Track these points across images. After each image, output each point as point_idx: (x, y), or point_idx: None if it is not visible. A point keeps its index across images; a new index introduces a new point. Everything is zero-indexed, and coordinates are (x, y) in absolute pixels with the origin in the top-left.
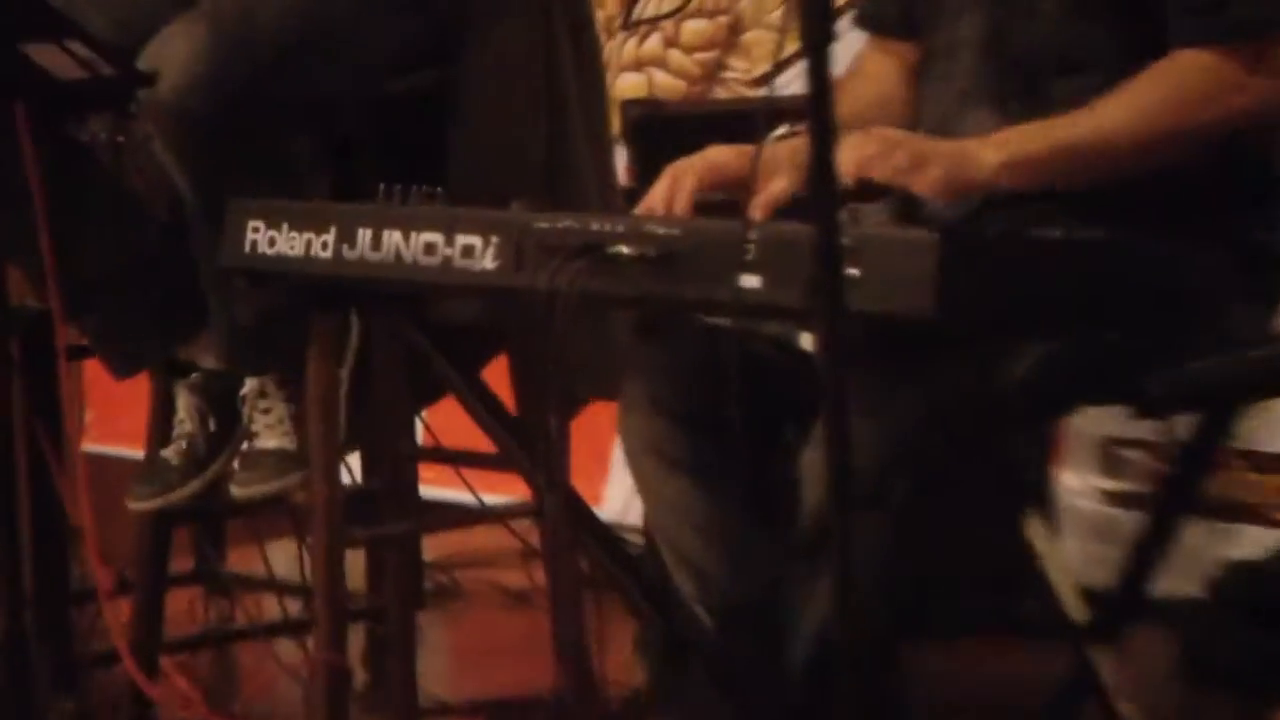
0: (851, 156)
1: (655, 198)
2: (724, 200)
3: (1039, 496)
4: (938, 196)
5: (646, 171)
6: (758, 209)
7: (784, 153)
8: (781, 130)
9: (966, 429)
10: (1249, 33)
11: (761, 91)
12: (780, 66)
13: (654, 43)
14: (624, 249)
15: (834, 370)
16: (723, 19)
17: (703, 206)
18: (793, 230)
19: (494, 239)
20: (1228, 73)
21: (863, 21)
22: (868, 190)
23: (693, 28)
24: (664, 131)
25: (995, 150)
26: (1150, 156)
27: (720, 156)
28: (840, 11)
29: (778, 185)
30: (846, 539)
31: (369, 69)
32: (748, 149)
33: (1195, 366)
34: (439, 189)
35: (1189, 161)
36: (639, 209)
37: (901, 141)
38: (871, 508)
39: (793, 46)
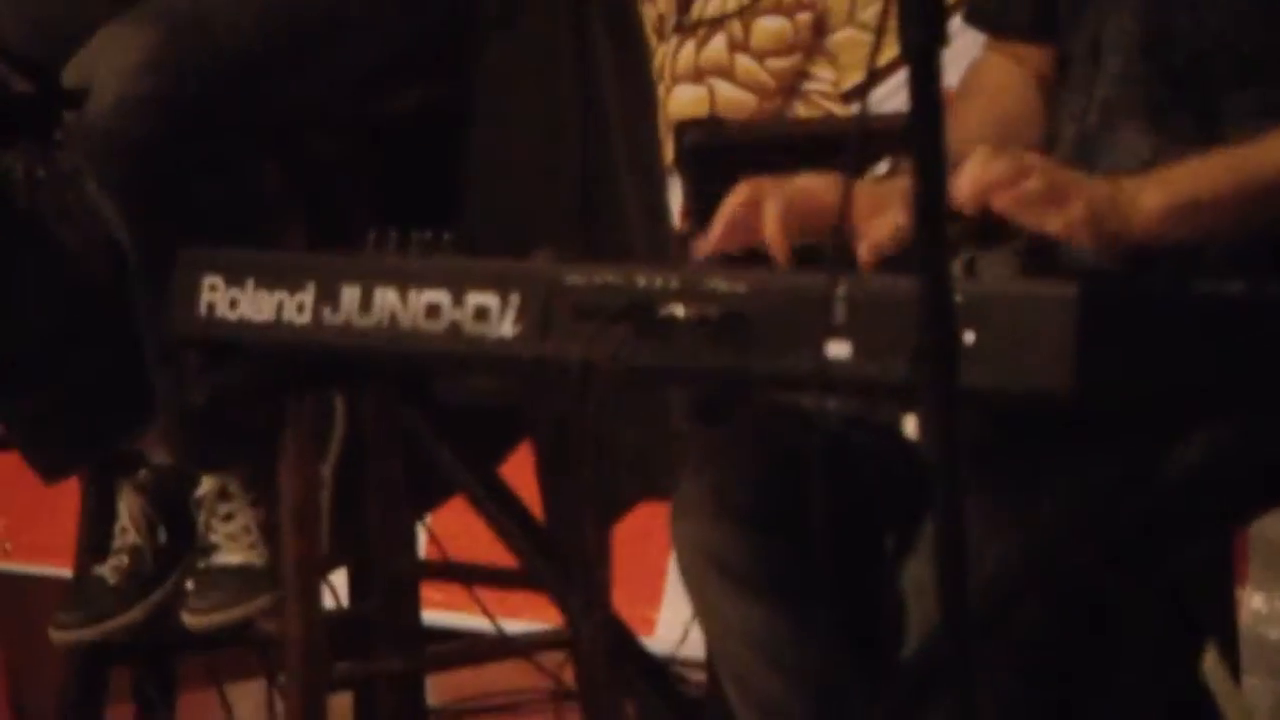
0: (973, 179)
1: (723, 230)
2: (807, 245)
3: (1217, 625)
4: (1078, 242)
5: (707, 210)
6: (864, 252)
7: (890, 190)
8: (883, 167)
9: (1119, 538)
10: None
11: (853, 109)
12: (876, 76)
13: (717, 47)
14: (679, 310)
15: (945, 463)
16: (804, 16)
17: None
18: (892, 285)
19: (514, 298)
20: None
21: (979, 19)
22: (991, 230)
23: (766, 27)
24: (729, 160)
25: (1157, 191)
26: None
27: (815, 183)
28: (953, 8)
29: (887, 223)
30: (964, 677)
31: (352, 83)
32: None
33: None
34: (445, 234)
35: None
36: (698, 250)
37: (1038, 167)
38: (995, 638)
39: (891, 51)
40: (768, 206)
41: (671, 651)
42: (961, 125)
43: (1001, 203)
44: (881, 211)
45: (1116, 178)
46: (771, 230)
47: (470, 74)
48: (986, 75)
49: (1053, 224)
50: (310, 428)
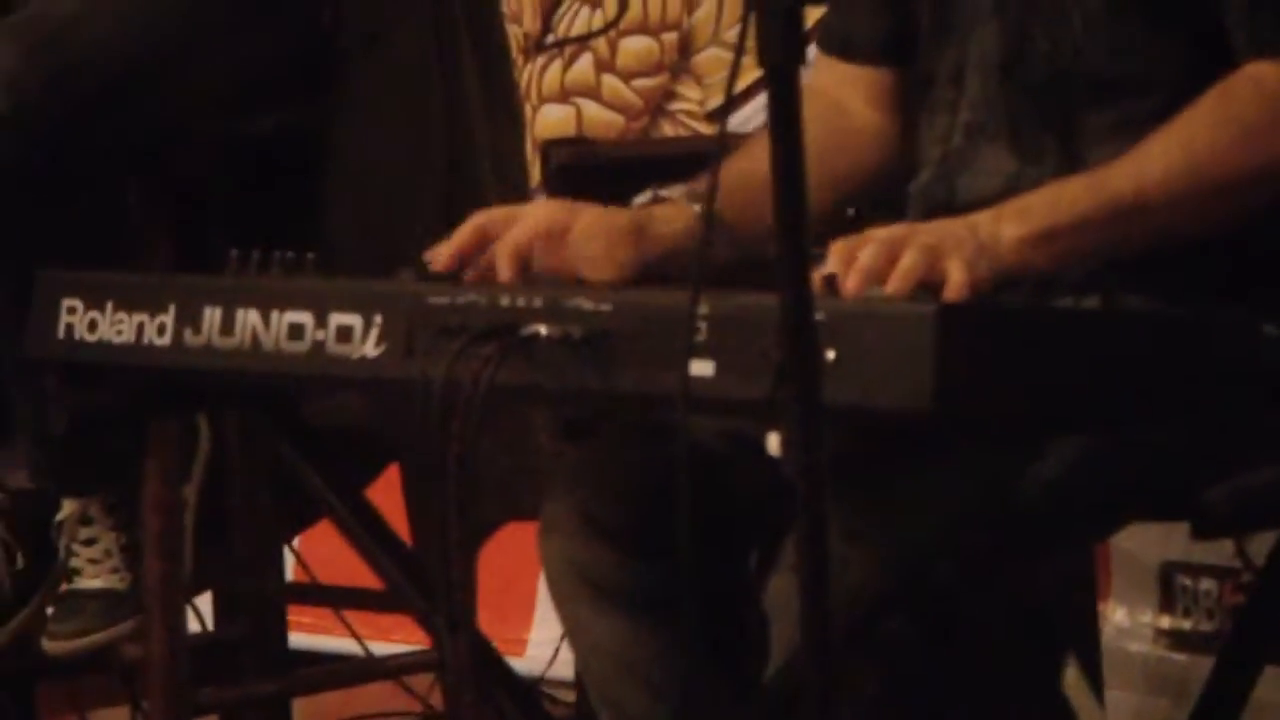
0: (851, 271)
1: (446, 250)
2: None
3: (1079, 639)
4: (970, 292)
5: None
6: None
7: (611, 219)
8: (644, 197)
9: (981, 552)
10: None
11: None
12: (734, 100)
13: (584, 67)
14: (543, 329)
15: (808, 479)
16: (669, 36)
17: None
18: (754, 304)
19: (377, 318)
20: None
21: (827, 42)
22: None
23: (632, 48)
24: (596, 180)
25: (1015, 223)
26: (1218, 210)
27: (543, 216)
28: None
29: (589, 249)
30: (826, 693)
31: (214, 102)
32: (579, 205)
33: (1268, 474)
34: (309, 254)
35: (1263, 219)
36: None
37: (901, 239)
38: (858, 653)
39: (756, 71)
40: (504, 234)
41: (542, 672)
42: (754, 150)
43: (893, 287)
44: (589, 242)
45: (972, 216)
46: (503, 255)
47: (335, 95)
48: (807, 101)
49: (947, 288)
50: (172, 450)
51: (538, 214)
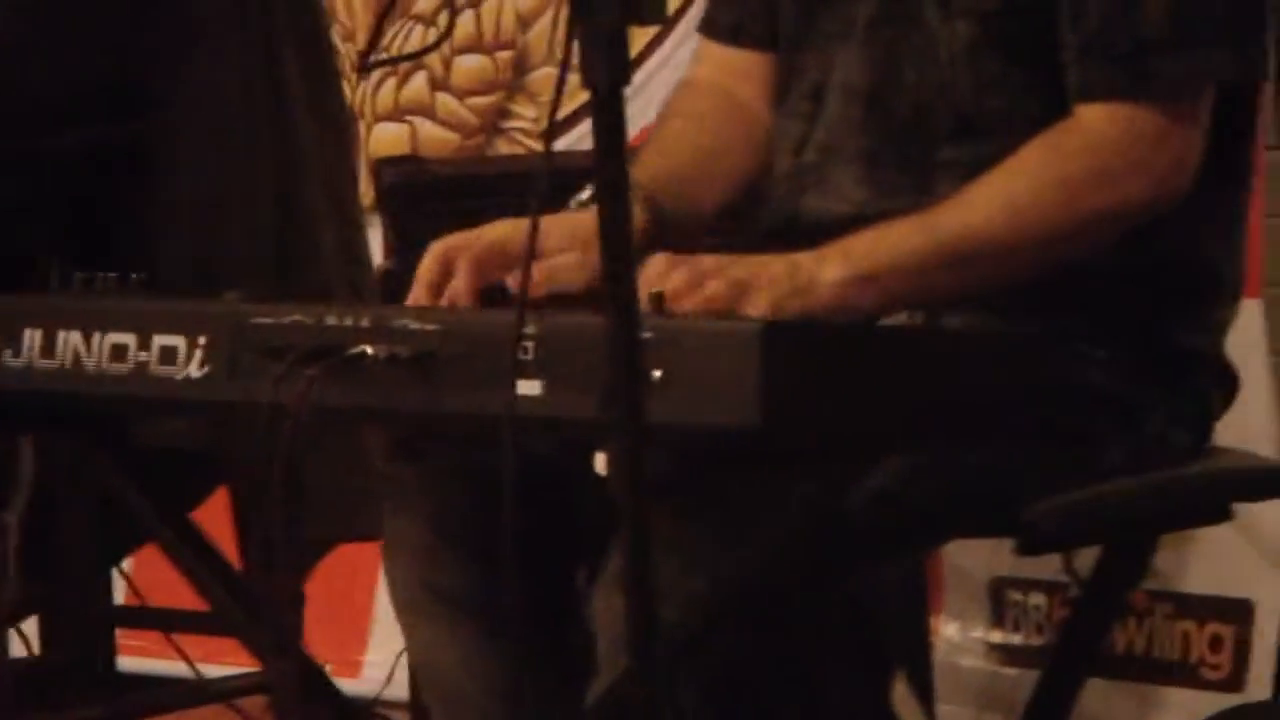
0: (659, 287)
1: (418, 289)
2: (504, 288)
3: (909, 654)
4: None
5: (409, 248)
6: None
7: (576, 225)
8: (586, 194)
9: (809, 567)
10: (1167, 91)
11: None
12: (555, 123)
13: (418, 85)
14: (369, 350)
15: (632, 497)
16: (504, 55)
17: (482, 296)
18: (581, 324)
19: (201, 339)
20: (1129, 145)
21: (712, 27)
22: None
23: (467, 66)
24: (429, 198)
25: (837, 265)
26: (1039, 259)
27: (502, 234)
28: (647, 51)
29: (563, 259)
30: (651, 709)
31: (30, 116)
32: (542, 223)
33: (1090, 491)
34: (133, 275)
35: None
36: (408, 301)
37: (714, 269)
38: (684, 669)
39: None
40: (459, 265)
41: (377, 693)
42: (664, 146)
43: (691, 306)
44: (573, 246)
45: (796, 255)
46: (459, 289)
47: (156, 114)
48: (697, 96)
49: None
50: None
51: (494, 234)
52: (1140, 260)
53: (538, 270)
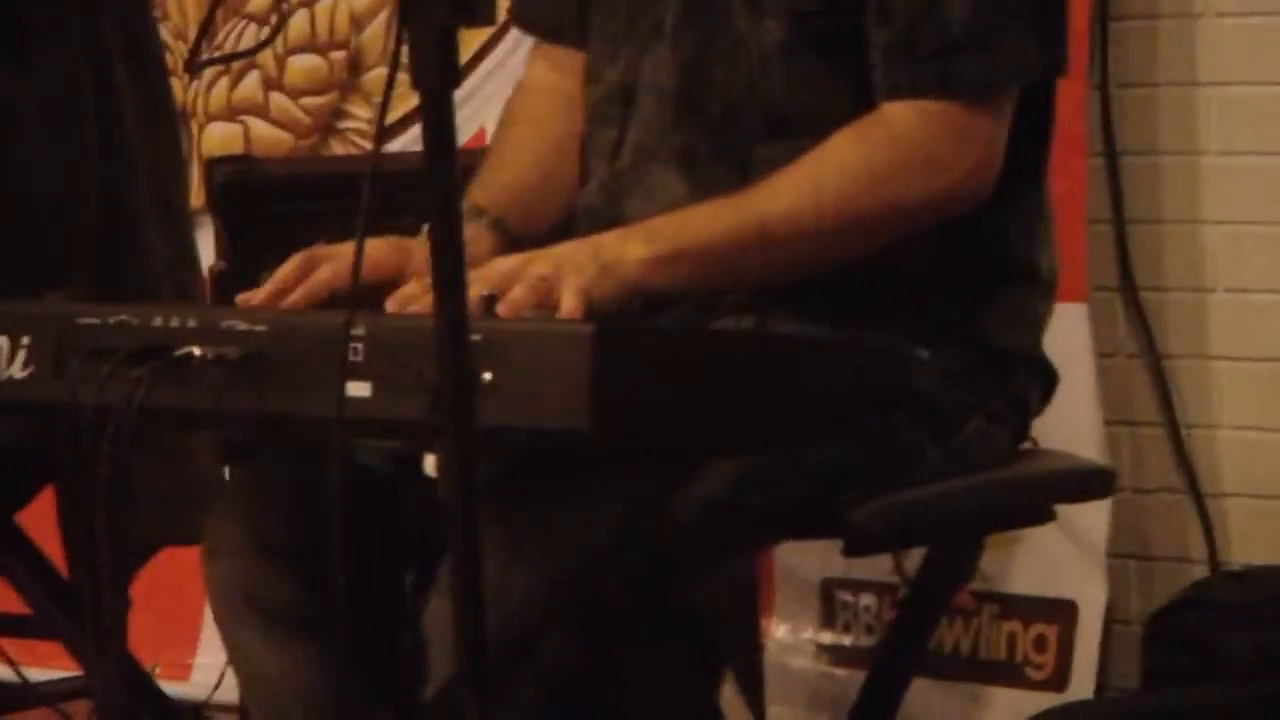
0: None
1: (264, 290)
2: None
3: (739, 654)
4: (588, 308)
5: (241, 249)
6: (395, 301)
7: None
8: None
9: (639, 568)
10: (969, 89)
11: (388, 148)
12: (385, 129)
13: (251, 84)
14: (196, 350)
15: (462, 500)
16: (338, 55)
17: (331, 303)
18: (411, 325)
19: (25, 339)
20: (933, 140)
21: (526, 22)
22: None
23: (300, 65)
24: (261, 198)
25: (641, 244)
26: (841, 246)
27: (373, 252)
28: (481, 55)
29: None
30: (481, 712)
31: None
32: (410, 244)
33: (914, 492)
34: None
35: (907, 244)
36: (239, 300)
37: (514, 272)
38: (516, 672)
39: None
40: (319, 273)
41: (206, 697)
42: (505, 157)
43: (516, 300)
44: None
45: (598, 236)
46: (306, 292)
47: None
48: (534, 99)
49: (564, 303)
50: None
51: (370, 255)
52: (954, 257)
53: (393, 300)
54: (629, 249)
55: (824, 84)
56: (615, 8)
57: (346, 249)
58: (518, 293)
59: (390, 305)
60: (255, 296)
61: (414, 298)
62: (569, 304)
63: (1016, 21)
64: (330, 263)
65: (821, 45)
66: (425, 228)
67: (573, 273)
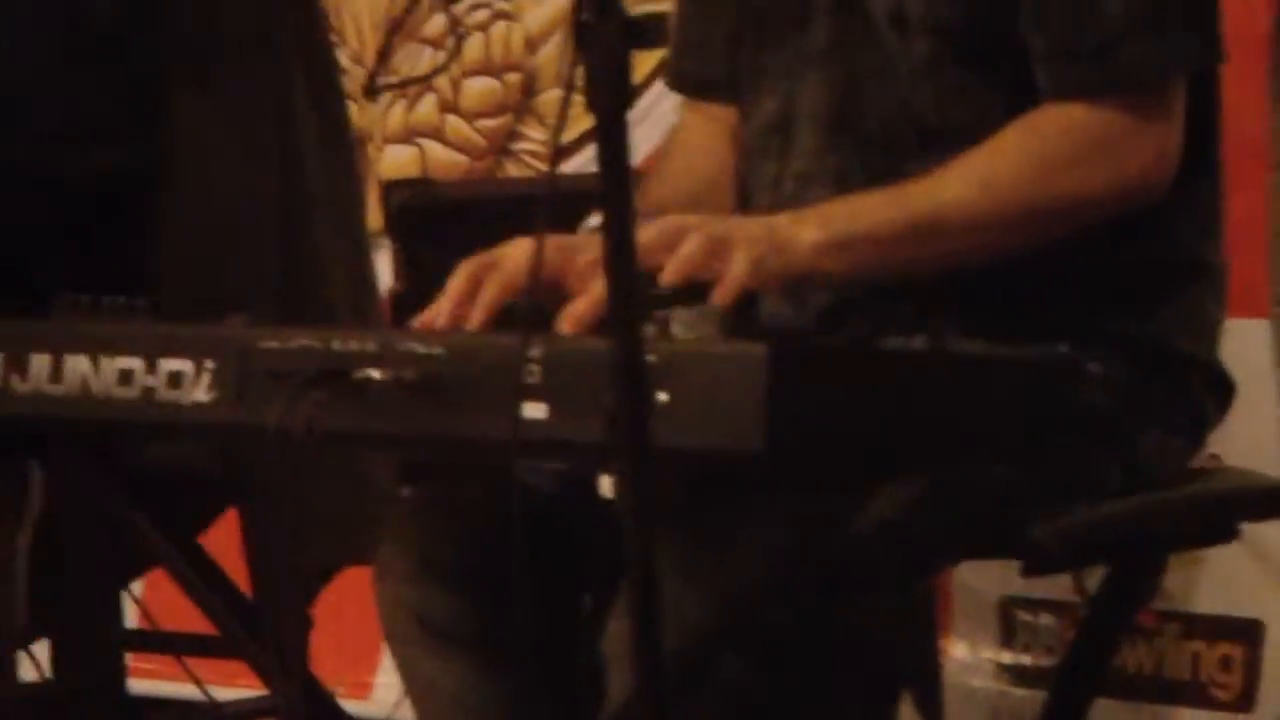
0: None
1: (442, 308)
2: (534, 308)
3: (916, 675)
4: (749, 286)
5: (418, 271)
6: (568, 320)
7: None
8: (598, 219)
9: (813, 590)
10: (1137, 81)
11: (563, 168)
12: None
13: (427, 107)
14: (375, 373)
15: (639, 522)
16: (513, 77)
17: (506, 317)
18: (586, 346)
19: (208, 363)
20: (1107, 132)
21: (676, 81)
22: (695, 289)
23: (475, 88)
24: (439, 221)
25: (815, 228)
26: (1012, 238)
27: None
28: (654, 75)
29: (599, 288)
30: None
31: (43, 143)
32: (572, 242)
33: (1094, 511)
34: (140, 299)
35: (1077, 248)
36: (417, 321)
37: (691, 226)
38: (695, 695)
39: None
40: (487, 285)
41: (387, 714)
42: (661, 187)
43: (665, 264)
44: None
45: (772, 217)
46: (483, 311)
47: (164, 135)
48: (686, 137)
49: (722, 276)
50: (3, 498)
51: (520, 254)
52: (1124, 256)
53: (565, 319)
54: (804, 232)
55: (975, 97)
56: (764, 43)
57: (510, 253)
58: (689, 247)
59: (563, 325)
60: (434, 315)
61: (582, 315)
62: (737, 270)
63: (1172, 10)
64: (496, 274)
65: (970, 59)
66: (587, 223)
67: (745, 242)
